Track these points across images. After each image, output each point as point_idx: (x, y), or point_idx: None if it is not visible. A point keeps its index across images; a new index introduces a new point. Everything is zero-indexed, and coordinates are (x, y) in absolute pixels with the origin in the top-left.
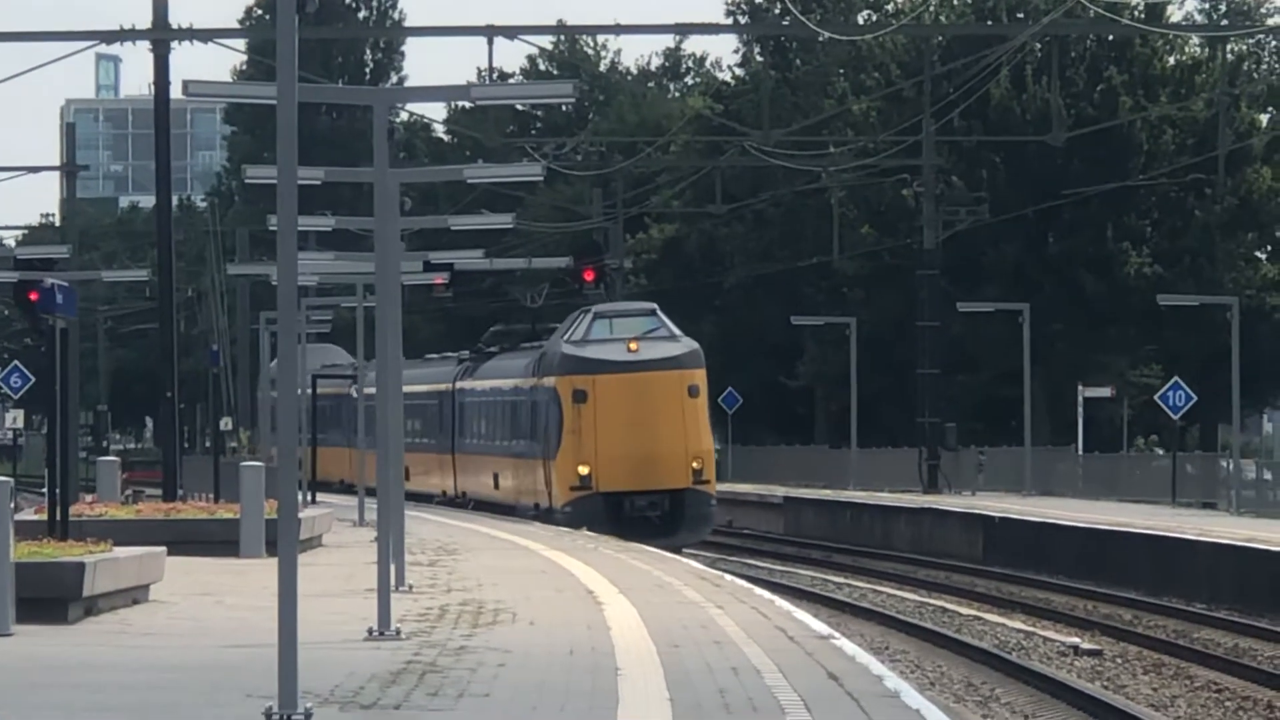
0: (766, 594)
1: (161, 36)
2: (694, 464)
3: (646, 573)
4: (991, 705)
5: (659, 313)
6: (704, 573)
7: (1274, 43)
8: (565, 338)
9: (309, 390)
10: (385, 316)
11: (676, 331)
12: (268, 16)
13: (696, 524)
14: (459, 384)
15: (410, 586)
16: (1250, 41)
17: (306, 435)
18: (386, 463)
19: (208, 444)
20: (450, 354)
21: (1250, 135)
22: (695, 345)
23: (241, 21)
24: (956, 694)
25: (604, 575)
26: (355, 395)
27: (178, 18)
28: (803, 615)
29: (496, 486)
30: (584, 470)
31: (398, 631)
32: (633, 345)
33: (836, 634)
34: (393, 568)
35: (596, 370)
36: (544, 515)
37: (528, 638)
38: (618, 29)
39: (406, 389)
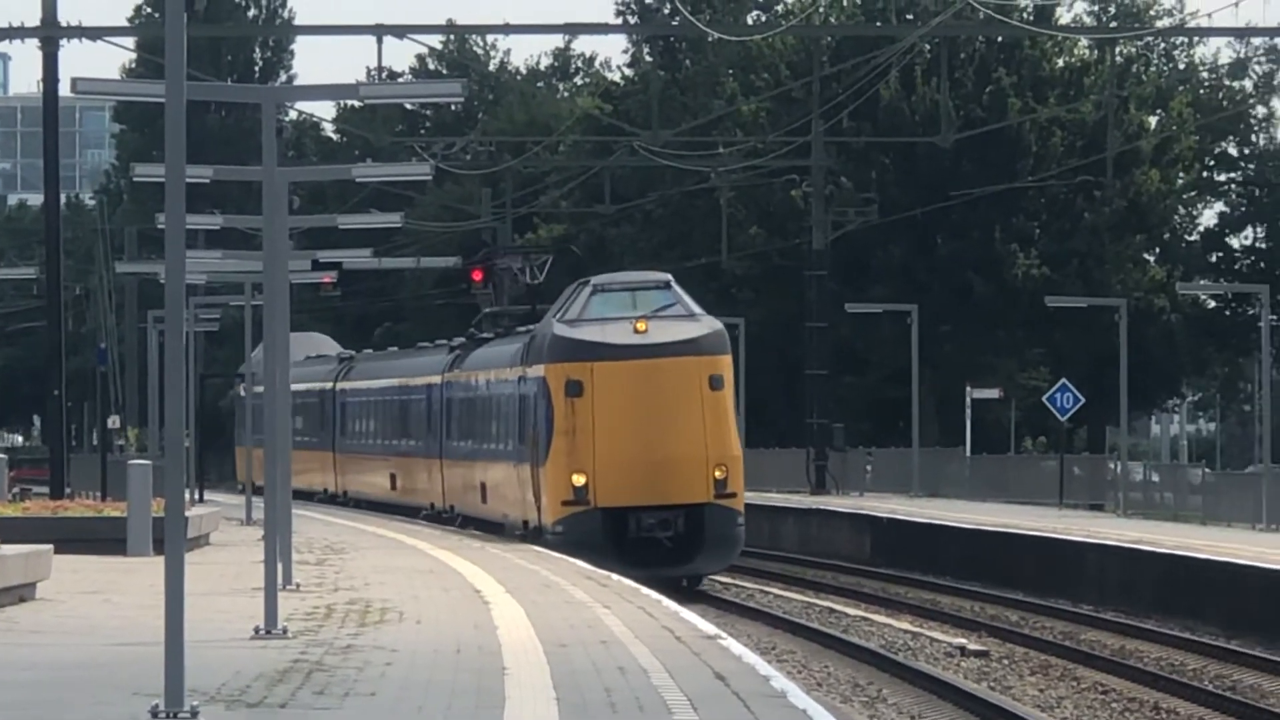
0: (653, 594)
1: (50, 34)
2: (716, 472)
3: (534, 572)
4: (878, 706)
5: (674, 285)
6: (591, 572)
7: (1162, 45)
8: (558, 316)
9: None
10: (273, 315)
11: (696, 309)
12: (157, 15)
13: (719, 547)
14: (446, 376)
15: (297, 585)
16: (1139, 44)
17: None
18: (274, 461)
19: (95, 442)
20: (444, 342)
21: (1139, 137)
22: (719, 325)
23: (131, 20)
24: (843, 694)
25: (491, 574)
26: (333, 390)
27: (66, 15)
28: (689, 615)
29: (484, 500)
30: (579, 480)
31: (284, 630)
32: (641, 325)
33: (723, 634)
34: (280, 566)
35: (595, 356)
36: (533, 535)
37: (415, 637)
38: (507, 29)
39: (389, 383)
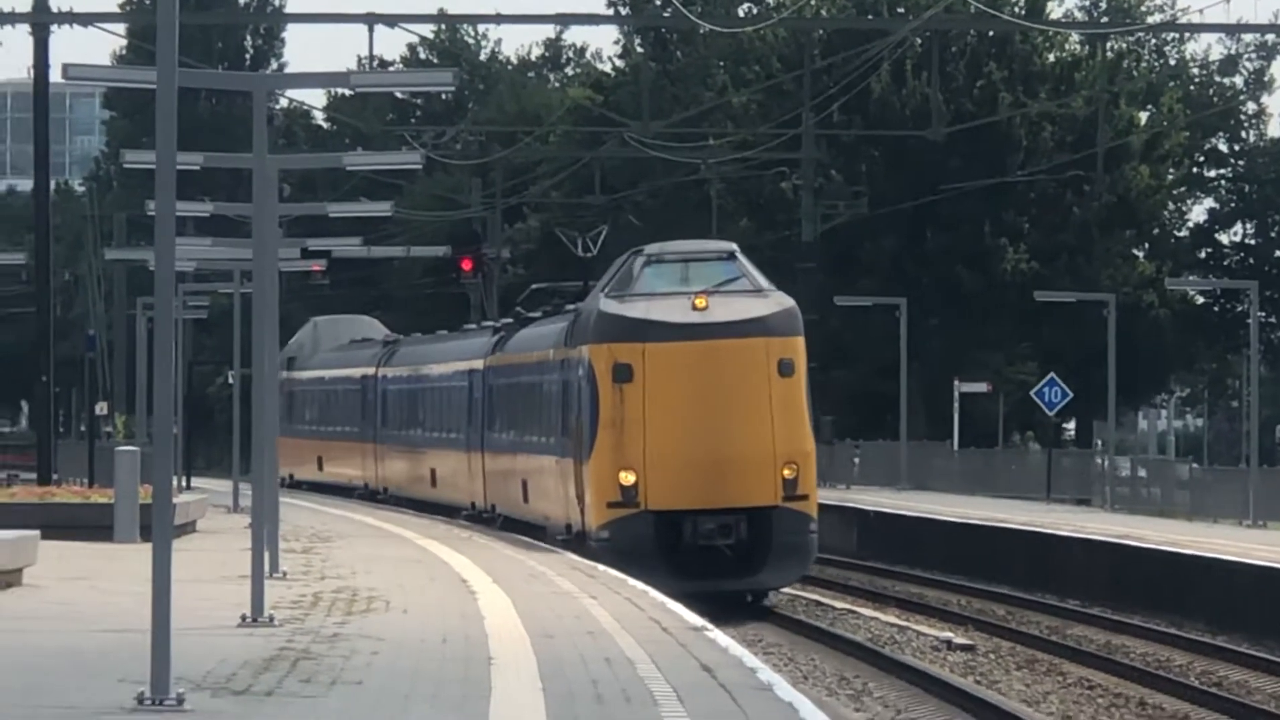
0: (640, 585)
1: (41, 20)
2: (786, 471)
3: (521, 562)
4: (864, 699)
5: (740, 255)
6: (578, 563)
7: (1153, 41)
8: (606, 291)
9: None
10: (262, 303)
11: (765, 283)
12: (148, 1)
13: (789, 557)
14: (488, 361)
15: (284, 573)
16: (1130, 40)
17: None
18: (262, 449)
19: (83, 428)
20: (489, 323)
21: (1129, 133)
22: (791, 303)
23: (122, 6)
24: (829, 687)
25: (478, 564)
26: (375, 377)
27: (58, 1)
28: (676, 607)
29: (525, 499)
30: (628, 479)
31: (271, 618)
32: (700, 301)
33: (710, 626)
34: (266, 555)
35: (647, 336)
36: (576, 541)
37: (401, 626)
38: (498, 18)
39: (427, 372)
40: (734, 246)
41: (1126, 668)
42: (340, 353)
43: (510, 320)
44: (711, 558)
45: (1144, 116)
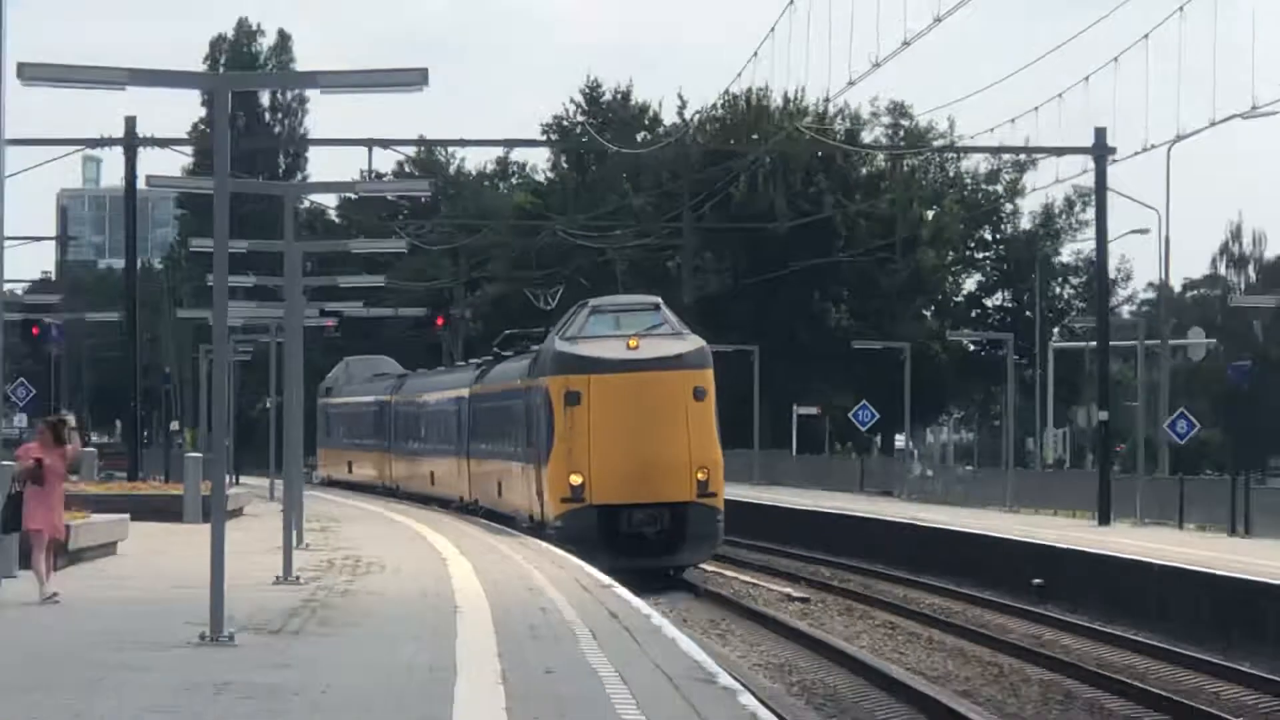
0: (565, 555)
1: (131, 143)
2: (699, 475)
3: (485, 541)
4: (728, 636)
5: (663, 307)
6: (528, 542)
7: (937, 159)
8: (560, 334)
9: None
10: (291, 349)
11: (682, 328)
12: (208, 130)
13: (700, 542)
14: (472, 390)
15: (308, 545)
16: (920, 158)
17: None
18: (291, 457)
19: (162, 440)
20: (474, 360)
21: (920, 226)
22: (702, 343)
23: (189, 132)
24: (702, 628)
25: (453, 543)
26: (389, 402)
27: (144, 129)
28: (592, 571)
29: (500, 495)
30: (576, 480)
31: (297, 578)
32: (633, 342)
33: (615, 584)
34: (294, 532)
35: (591, 369)
36: (537, 528)
37: (393, 583)
38: (462, 142)
39: (427, 398)
40: (659, 300)
41: (918, 614)
42: (364, 384)
43: (489, 358)
44: (641, 541)
45: (930, 214)
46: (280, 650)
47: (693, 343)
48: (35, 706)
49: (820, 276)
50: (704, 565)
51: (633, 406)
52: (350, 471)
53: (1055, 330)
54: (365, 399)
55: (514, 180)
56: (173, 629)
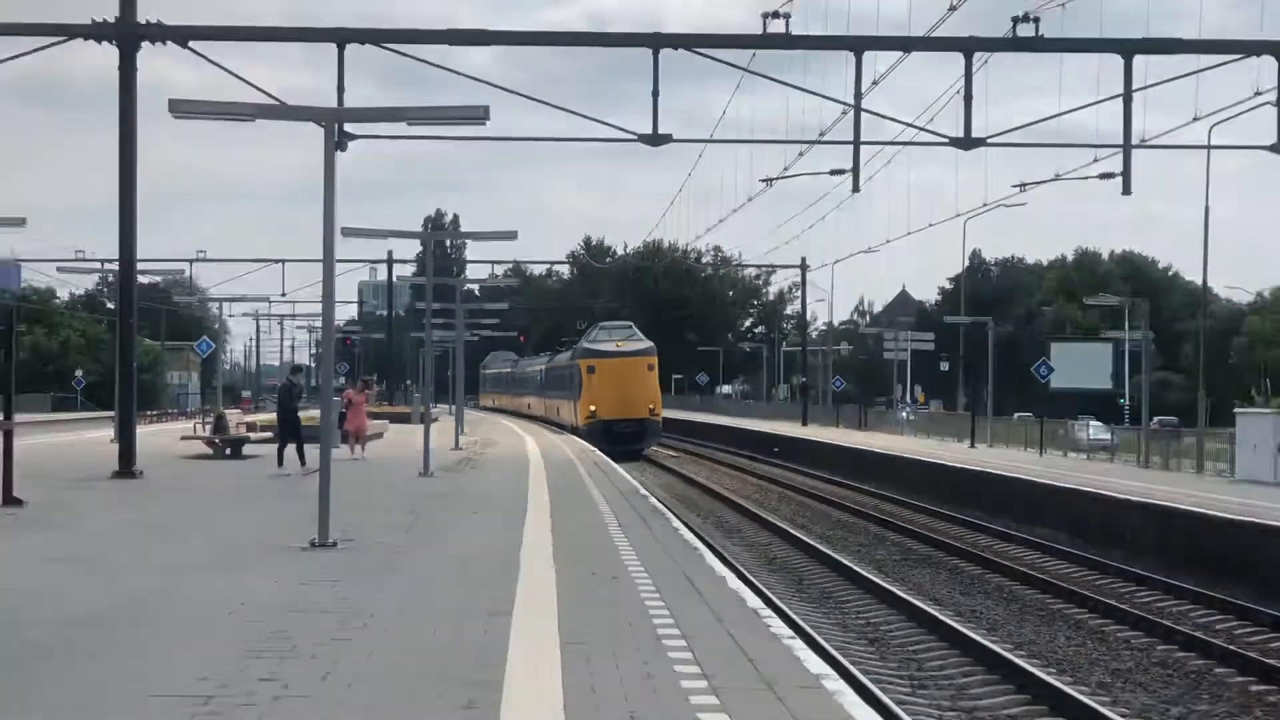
0: (585, 443)
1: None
2: (650, 406)
3: (544, 435)
4: (646, 474)
5: (633, 326)
6: (567, 436)
7: (738, 270)
8: (584, 341)
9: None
10: (458, 350)
11: (642, 337)
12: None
13: (651, 438)
14: (547, 365)
15: (465, 433)
16: (728, 268)
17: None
18: (459, 397)
19: (400, 389)
20: (545, 352)
21: (729, 294)
22: (651, 344)
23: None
24: (640, 470)
25: (530, 435)
26: (515, 370)
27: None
28: (594, 450)
29: (557, 415)
30: (592, 408)
31: (462, 447)
32: (619, 344)
33: (602, 455)
34: (460, 429)
35: (599, 356)
36: (573, 431)
37: (504, 451)
38: (531, 262)
39: (526, 369)
40: (631, 323)
41: (726, 462)
42: (499, 363)
43: (550, 351)
44: (623, 437)
45: (731, 291)
46: (453, 478)
47: (647, 344)
48: (363, 499)
49: (680, 309)
50: (653, 449)
51: (619, 374)
52: (493, 404)
53: (784, 341)
54: (500, 370)
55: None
56: (404, 472)
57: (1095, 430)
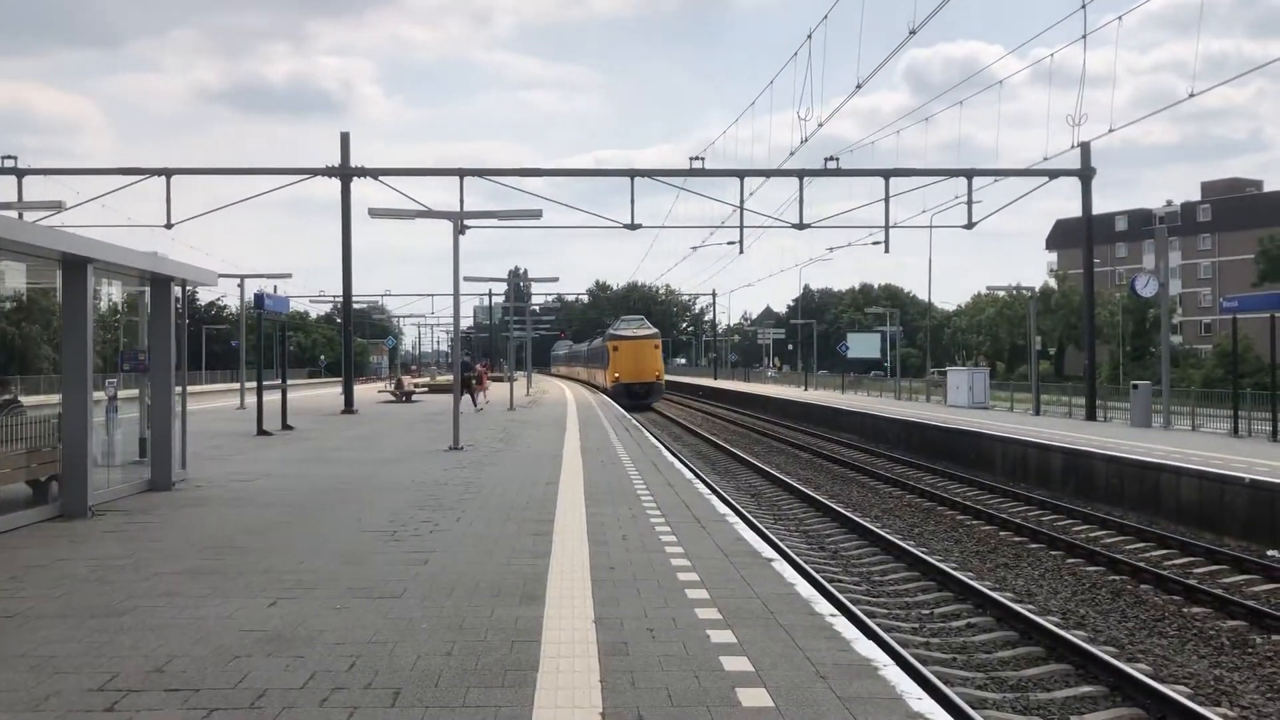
0: (611, 401)
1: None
2: (656, 373)
3: (582, 394)
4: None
5: (644, 319)
6: (600, 396)
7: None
8: (611, 329)
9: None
10: (527, 339)
11: (651, 326)
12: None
13: (656, 396)
14: (587, 346)
15: (532, 387)
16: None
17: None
18: (529, 369)
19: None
20: (587, 340)
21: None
22: (657, 330)
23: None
24: (650, 420)
25: (572, 393)
26: (569, 352)
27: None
28: (616, 405)
29: (595, 380)
30: (616, 375)
31: (515, 409)
32: (635, 330)
33: (621, 408)
34: (529, 386)
35: (621, 339)
36: (604, 391)
37: (551, 401)
38: (560, 294)
39: (575, 350)
40: (643, 317)
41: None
42: (561, 348)
43: (592, 338)
44: (637, 396)
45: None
46: (525, 412)
47: (654, 330)
48: (477, 423)
49: (648, 318)
50: (660, 404)
51: (635, 351)
52: (558, 373)
53: (705, 334)
54: (561, 351)
55: (576, 303)
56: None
57: (870, 381)
